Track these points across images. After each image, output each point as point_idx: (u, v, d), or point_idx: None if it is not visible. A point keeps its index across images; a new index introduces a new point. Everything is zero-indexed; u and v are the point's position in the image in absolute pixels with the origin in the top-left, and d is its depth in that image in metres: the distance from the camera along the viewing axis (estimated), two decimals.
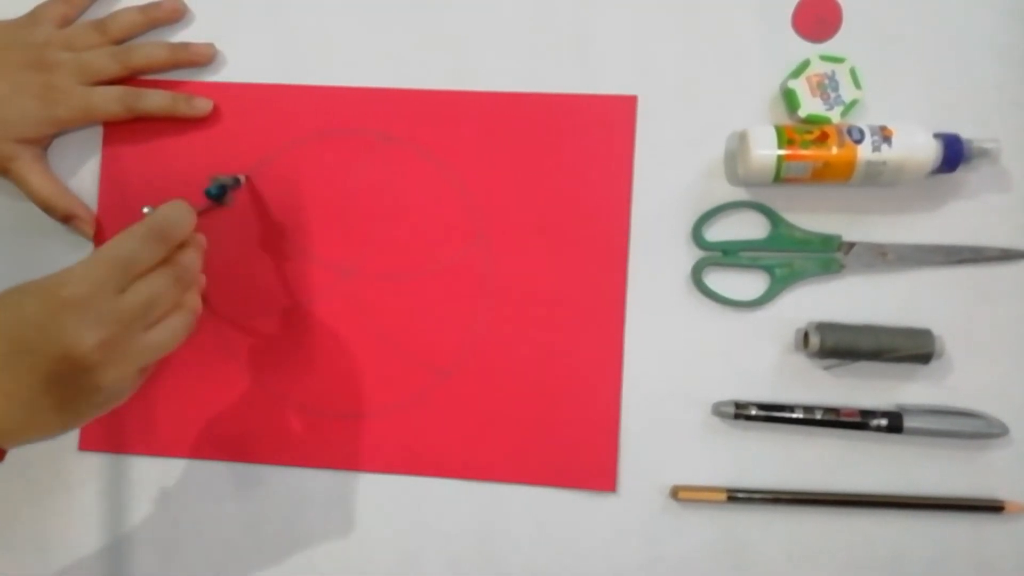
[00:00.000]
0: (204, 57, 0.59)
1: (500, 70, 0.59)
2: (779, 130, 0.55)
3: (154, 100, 0.57)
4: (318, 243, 0.59)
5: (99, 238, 0.59)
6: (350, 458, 0.58)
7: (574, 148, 0.58)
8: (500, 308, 0.58)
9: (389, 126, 0.59)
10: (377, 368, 0.58)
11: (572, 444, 0.57)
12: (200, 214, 0.48)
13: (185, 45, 0.59)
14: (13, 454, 0.43)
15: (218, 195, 0.53)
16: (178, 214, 0.46)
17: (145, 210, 0.47)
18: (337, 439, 0.58)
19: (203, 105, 0.58)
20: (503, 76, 0.59)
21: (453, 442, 0.57)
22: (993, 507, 0.56)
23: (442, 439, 0.57)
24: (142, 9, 0.59)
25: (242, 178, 0.56)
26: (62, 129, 0.58)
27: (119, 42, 0.59)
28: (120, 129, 0.59)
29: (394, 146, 0.59)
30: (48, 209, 0.57)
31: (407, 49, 0.59)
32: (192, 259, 0.47)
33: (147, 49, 0.58)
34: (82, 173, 0.60)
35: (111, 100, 0.57)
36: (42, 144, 0.58)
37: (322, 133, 0.59)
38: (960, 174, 0.56)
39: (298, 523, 0.58)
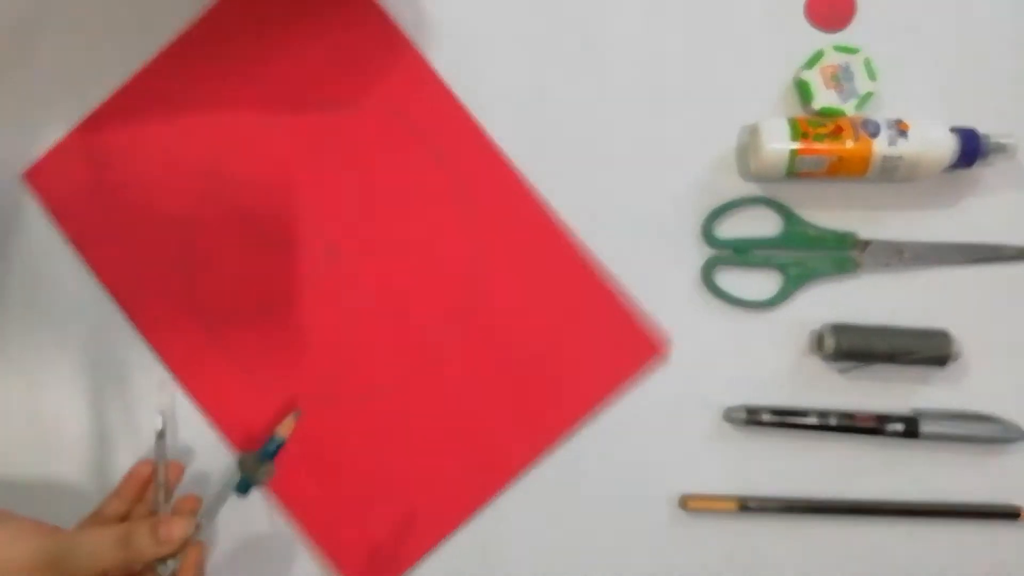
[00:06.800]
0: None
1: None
2: (792, 123, 0.53)
3: None
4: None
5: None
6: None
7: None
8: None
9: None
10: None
11: (595, 347, 0.55)
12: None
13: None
14: None
15: (245, 488, 0.50)
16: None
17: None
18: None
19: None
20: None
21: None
22: (1010, 513, 0.54)
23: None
24: None
25: (283, 436, 0.51)
26: None
27: None
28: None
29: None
30: None
31: None
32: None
33: None
34: None
35: None
36: None
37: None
38: (977, 170, 0.54)
39: None
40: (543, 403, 0.55)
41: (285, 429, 0.51)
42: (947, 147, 0.53)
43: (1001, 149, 0.53)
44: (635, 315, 0.55)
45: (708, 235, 0.55)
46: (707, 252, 0.56)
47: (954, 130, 0.53)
